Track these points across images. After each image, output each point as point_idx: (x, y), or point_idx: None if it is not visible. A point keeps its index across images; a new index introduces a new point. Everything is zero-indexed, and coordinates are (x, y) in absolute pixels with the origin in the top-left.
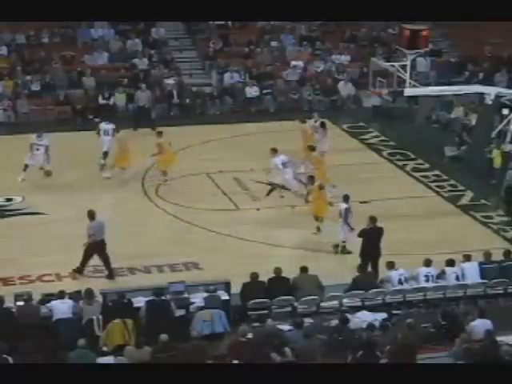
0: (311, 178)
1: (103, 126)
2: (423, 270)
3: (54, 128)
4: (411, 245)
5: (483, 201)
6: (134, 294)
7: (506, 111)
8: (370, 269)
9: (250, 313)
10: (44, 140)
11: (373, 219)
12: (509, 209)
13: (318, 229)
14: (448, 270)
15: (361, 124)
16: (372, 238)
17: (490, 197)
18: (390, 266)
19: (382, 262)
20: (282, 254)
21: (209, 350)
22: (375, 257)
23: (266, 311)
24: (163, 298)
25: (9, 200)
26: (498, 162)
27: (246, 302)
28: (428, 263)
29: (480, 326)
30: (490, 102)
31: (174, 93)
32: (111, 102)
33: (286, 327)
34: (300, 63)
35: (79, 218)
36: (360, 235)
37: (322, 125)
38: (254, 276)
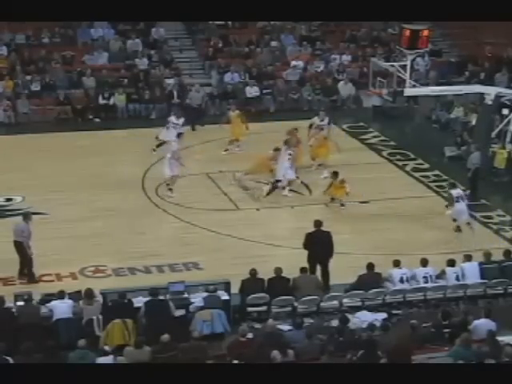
0: (335, 174)
1: None
2: (421, 271)
3: (54, 128)
4: (411, 245)
5: (483, 201)
6: (134, 294)
7: (506, 111)
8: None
9: (249, 309)
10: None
11: (317, 223)
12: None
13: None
14: (448, 270)
15: (361, 124)
16: (318, 241)
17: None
18: (396, 264)
19: (380, 262)
20: (281, 254)
21: (209, 350)
22: (324, 259)
23: (265, 307)
24: (161, 297)
25: (9, 200)
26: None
27: (245, 299)
28: (425, 263)
29: (482, 325)
30: (490, 102)
31: (174, 93)
32: (111, 102)
33: (285, 327)
34: (300, 63)
35: (79, 217)
36: (305, 241)
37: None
38: (253, 273)
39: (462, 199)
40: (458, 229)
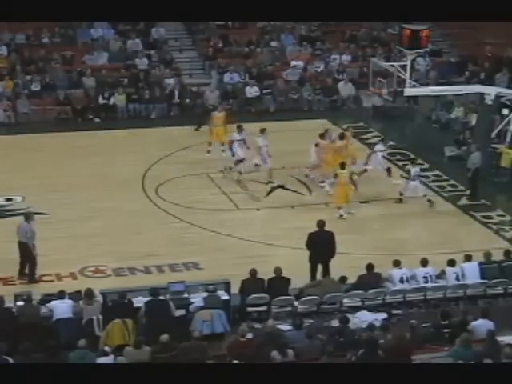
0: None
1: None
2: (421, 271)
3: (54, 128)
4: (411, 245)
5: (483, 201)
6: (134, 294)
7: (506, 111)
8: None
9: (249, 309)
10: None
11: (319, 223)
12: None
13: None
14: (448, 270)
15: (361, 124)
16: (320, 241)
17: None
18: (396, 264)
19: (380, 262)
20: (281, 254)
21: (209, 350)
22: (325, 259)
23: (265, 307)
24: (161, 297)
25: (9, 200)
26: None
27: (245, 299)
28: (425, 263)
29: (481, 326)
30: (490, 102)
31: (176, 93)
32: (111, 102)
33: (285, 327)
34: (300, 63)
35: (79, 218)
36: (307, 241)
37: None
38: (253, 273)
39: (417, 178)
40: (399, 201)
